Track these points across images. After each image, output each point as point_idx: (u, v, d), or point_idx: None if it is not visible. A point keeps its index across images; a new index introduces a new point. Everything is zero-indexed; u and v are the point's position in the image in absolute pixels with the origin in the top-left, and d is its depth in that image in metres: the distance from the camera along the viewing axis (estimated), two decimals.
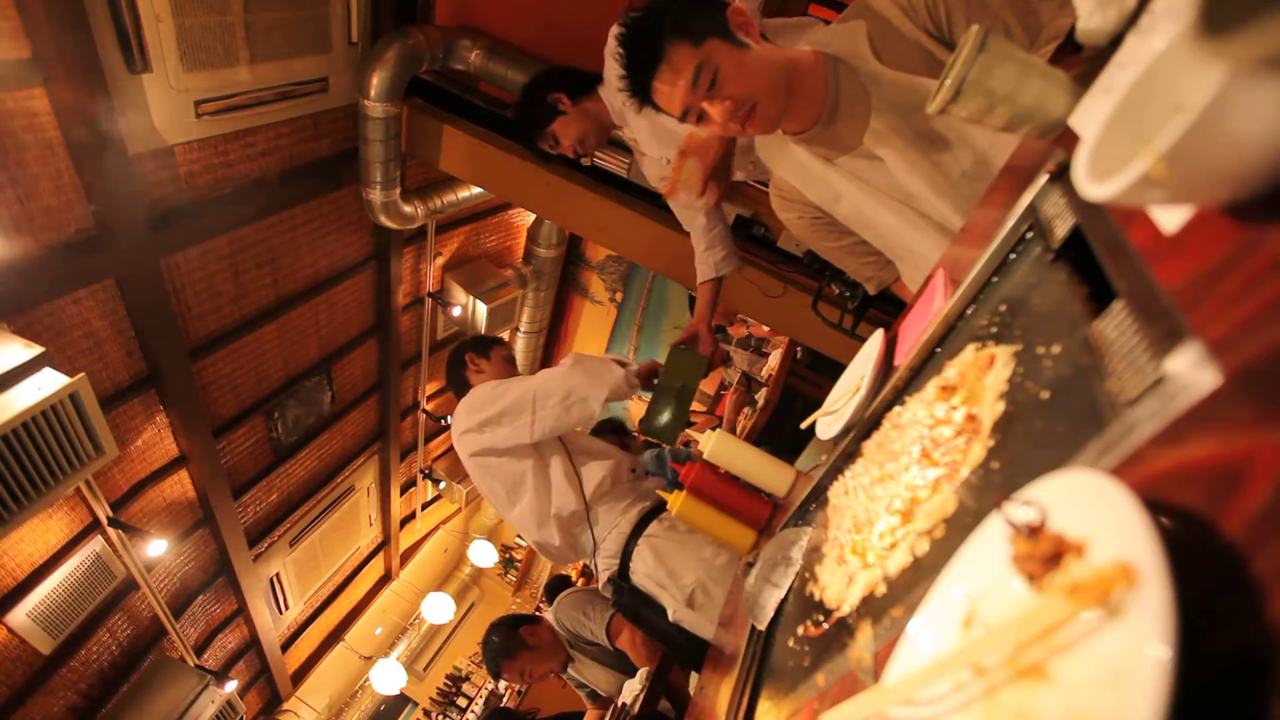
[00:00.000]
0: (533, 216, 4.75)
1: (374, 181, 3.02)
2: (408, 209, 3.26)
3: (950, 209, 1.11)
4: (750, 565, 1.08)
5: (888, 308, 2.43)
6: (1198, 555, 0.29)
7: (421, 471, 5.42)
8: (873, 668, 0.57)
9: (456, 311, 4.35)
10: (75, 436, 2.19)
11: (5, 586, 2.50)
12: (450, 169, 3.11)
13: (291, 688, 5.11)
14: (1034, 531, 0.37)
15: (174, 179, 2.45)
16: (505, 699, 4.56)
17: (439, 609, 5.71)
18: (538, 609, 4.83)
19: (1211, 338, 0.34)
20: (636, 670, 2.04)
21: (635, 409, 5.43)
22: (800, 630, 0.79)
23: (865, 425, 0.86)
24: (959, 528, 0.55)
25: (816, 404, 1.08)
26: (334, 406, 3.96)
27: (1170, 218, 0.41)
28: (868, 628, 0.61)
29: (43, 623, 2.65)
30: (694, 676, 2.01)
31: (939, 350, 0.76)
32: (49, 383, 2.08)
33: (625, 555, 1.74)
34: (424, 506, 5.97)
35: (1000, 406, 0.56)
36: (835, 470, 0.91)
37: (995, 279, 0.70)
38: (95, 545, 2.78)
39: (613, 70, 1.45)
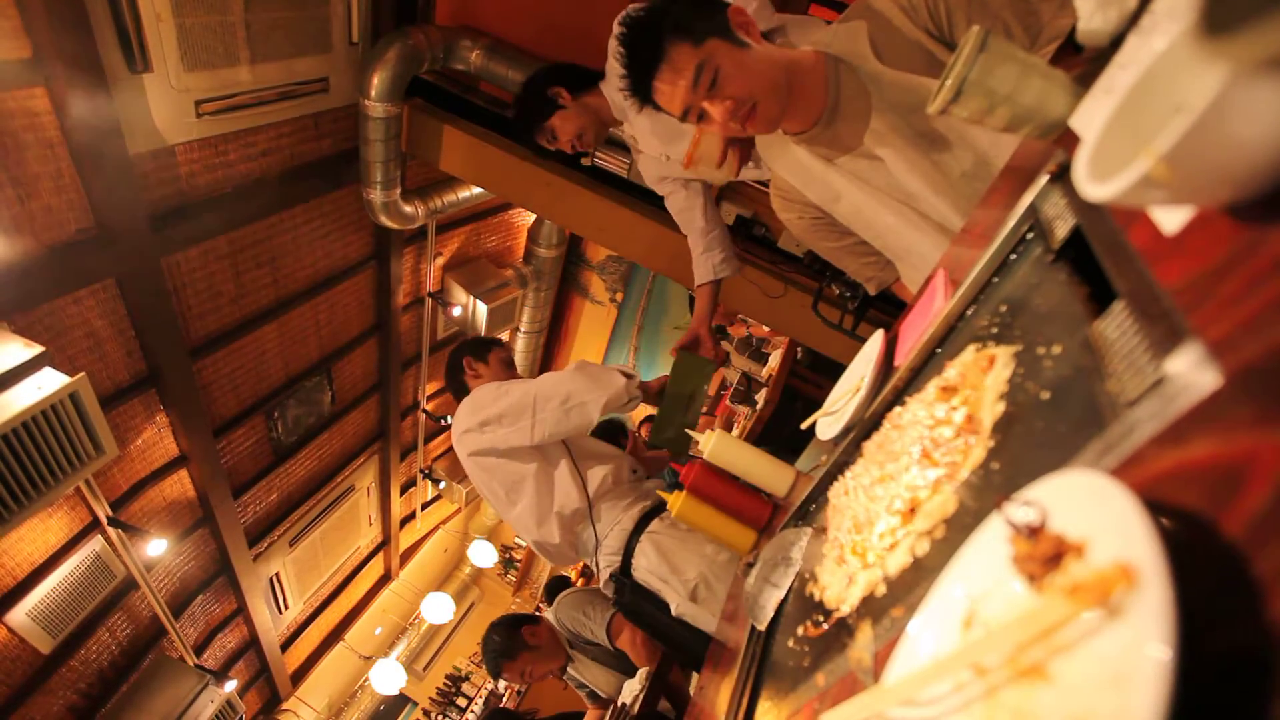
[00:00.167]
0: (533, 216, 4.75)
1: (374, 181, 3.02)
2: (408, 209, 3.27)
3: (950, 209, 1.11)
4: (750, 565, 1.08)
5: (888, 308, 2.44)
6: (1198, 556, 0.29)
7: (421, 471, 5.42)
8: (873, 668, 0.57)
9: (457, 311, 4.35)
10: (75, 436, 2.19)
11: (5, 586, 2.51)
12: (450, 169, 3.11)
13: (291, 687, 5.11)
14: (1034, 532, 0.37)
15: (174, 179, 2.45)
16: (505, 699, 4.56)
17: (439, 609, 5.71)
18: (537, 609, 4.83)
19: (1212, 338, 0.34)
20: (636, 670, 2.04)
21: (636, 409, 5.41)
22: (800, 630, 0.79)
23: (865, 426, 0.86)
24: (959, 528, 0.55)
25: (816, 405, 1.08)
26: (334, 406, 3.96)
27: (1171, 218, 0.41)
28: (868, 628, 0.61)
29: (43, 622, 2.65)
30: (694, 676, 2.01)
31: (939, 351, 0.76)
32: (49, 382, 2.08)
33: (627, 552, 1.74)
34: (424, 506, 5.97)
35: (1000, 407, 0.56)
36: (835, 471, 0.91)
37: (996, 279, 0.70)
38: (95, 545, 2.78)
39: (614, 69, 1.45)
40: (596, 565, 1.83)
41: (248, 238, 2.87)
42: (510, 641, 2.19)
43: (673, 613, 1.68)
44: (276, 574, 4.23)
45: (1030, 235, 0.65)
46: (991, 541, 0.43)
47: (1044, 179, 0.62)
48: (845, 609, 0.68)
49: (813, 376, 3.96)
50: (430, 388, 4.82)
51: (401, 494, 5.32)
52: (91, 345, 2.44)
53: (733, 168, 1.48)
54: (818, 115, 1.15)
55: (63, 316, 2.29)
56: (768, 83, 1.09)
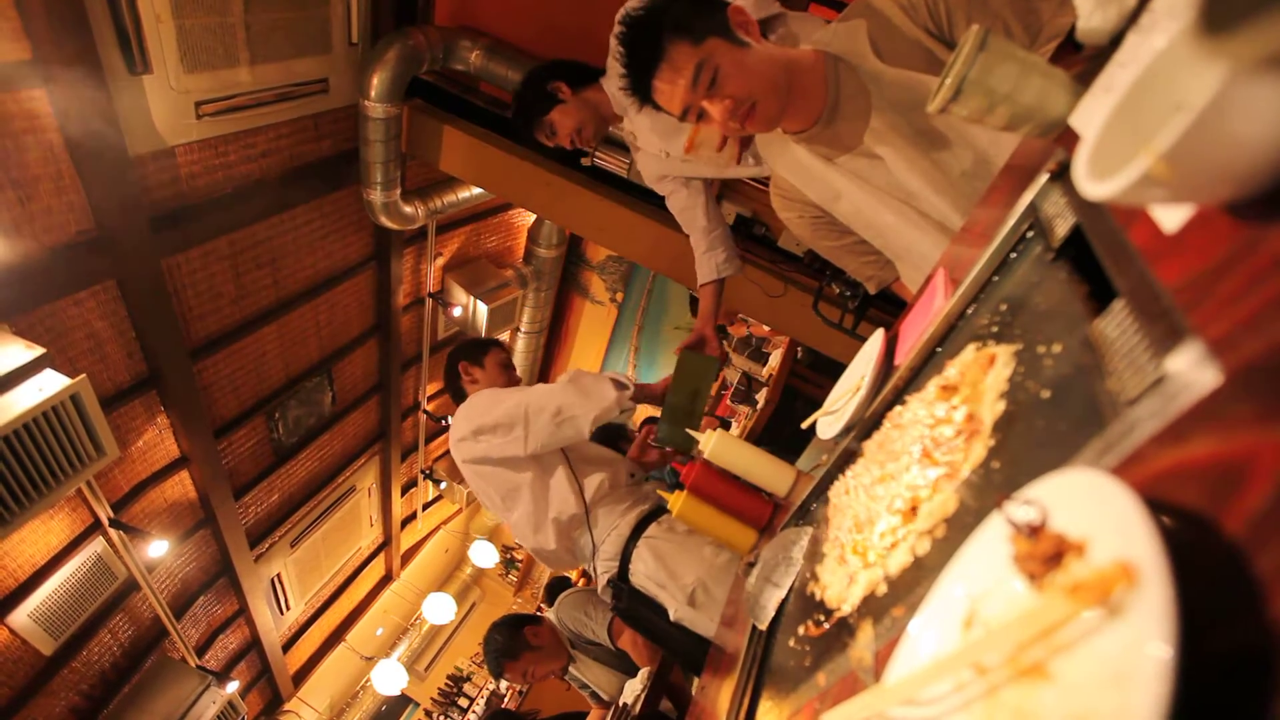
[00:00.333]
0: (533, 217, 4.75)
1: (374, 182, 3.02)
2: (408, 209, 3.27)
3: (950, 208, 1.11)
4: (751, 565, 1.08)
5: (888, 307, 2.43)
6: (1199, 554, 0.29)
7: (422, 472, 5.42)
8: (874, 667, 0.57)
9: (457, 312, 4.35)
10: (76, 437, 2.19)
11: (7, 588, 2.51)
12: (450, 169, 3.11)
13: (293, 688, 5.11)
14: (1035, 531, 0.37)
15: (175, 180, 2.45)
16: (506, 700, 4.56)
17: (440, 609, 5.71)
18: (539, 609, 4.83)
19: (1212, 337, 0.34)
20: (638, 670, 2.04)
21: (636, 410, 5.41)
22: (801, 630, 0.79)
23: (866, 425, 0.86)
24: (960, 527, 0.55)
25: (817, 404, 1.08)
26: (335, 407, 3.96)
27: (1171, 217, 0.41)
28: (869, 627, 0.61)
29: (44, 624, 2.66)
30: (695, 677, 2.01)
31: (939, 350, 0.76)
32: (50, 384, 2.08)
33: (625, 557, 1.73)
34: (425, 507, 5.97)
35: (1001, 406, 0.56)
36: (836, 470, 0.91)
37: (996, 278, 0.70)
38: (96, 546, 2.79)
39: (614, 68, 1.44)
40: (594, 570, 1.82)
41: (248, 239, 2.87)
42: (513, 641, 2.19)
43: (671, 618, 1.67)
44: (278, 575, 4.24)
45: (1030, 234, 0.65)
46: (992, 541, 0.43)
47: (1044, 177, 0.62)
48: (846, 608, 0.68)
49: (813, 376, 3.96)
50: (431, 388, 4.82)
51: (402, 494, 5.32)
52: (92, 347, 2.44)
53: (733, 153, 1.48)
54: (817, 114, 1.15)
55: (63, 318, 2.29)
56: (767, 82, 1.09)
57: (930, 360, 0.77)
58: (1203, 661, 0.26)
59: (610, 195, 2.85)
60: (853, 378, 1.02)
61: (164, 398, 2.81)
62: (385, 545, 5.57)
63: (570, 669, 2.28)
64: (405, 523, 5.75)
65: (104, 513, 2.72)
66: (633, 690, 2.00)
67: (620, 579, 1.75)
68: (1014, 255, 0.67)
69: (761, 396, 4.06)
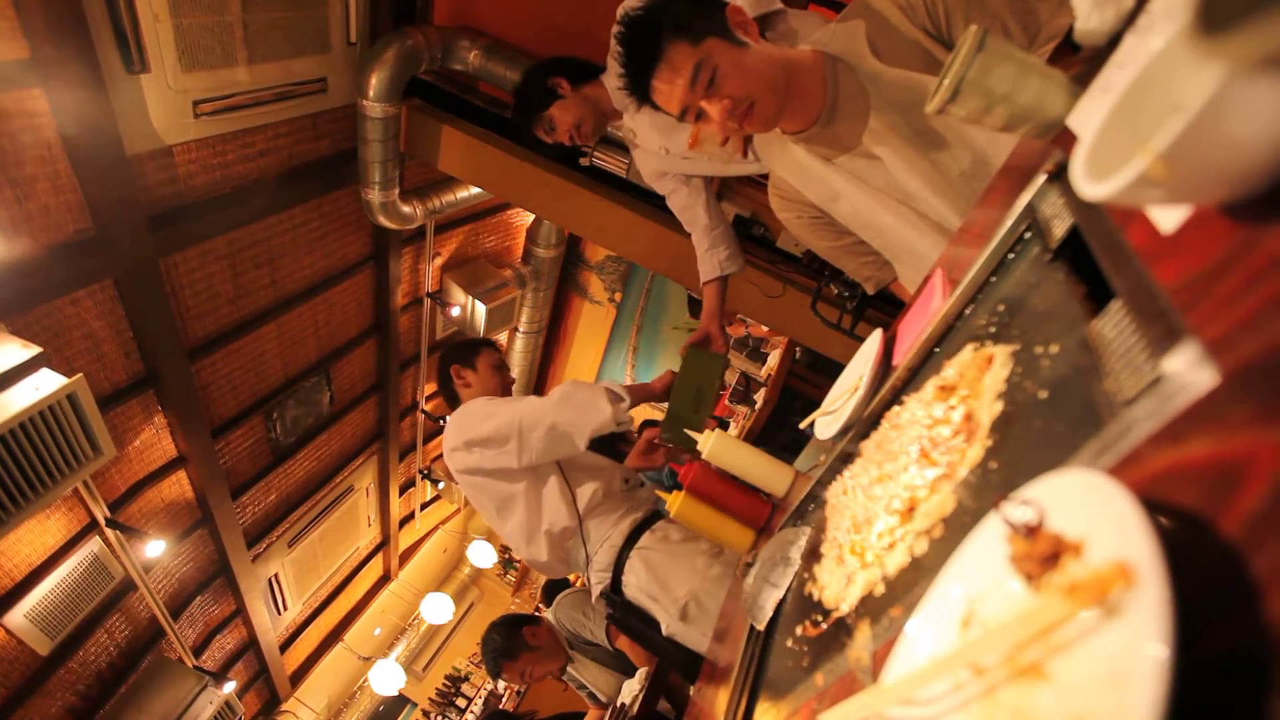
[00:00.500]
0: (532, 217, 4.75)
1: (373, 182, 3.02)
2: (406, 209, 3.26)
3: (948, 208, 1.11)
4: (749, 565, 1.08)
5: (886, 308, 2.44)
6: (1196, 555, 0.29)
7: (420, 472, 5.41)
8: (871, 667, 0.57)
9: (455, 312, 4.35)
10: (73, 437, 2.19)
11: (3, 587, 2.50)
12: (449, 169, 3.11)
13: (290, 688, 5.10)
14: (1032, 531, 0.37)
15: (172, 179, 2.45)
16: (504, 700, 4.56)
17: (438, 609, 5.71)
18: (537, 609, 4.83)
19: (1209, 337, 0.34)
20: (636, 671, 2.04)
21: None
22: (799, 630, 0.79)
23: (864, 425, 0.86)
24: (957, 527, 0.55)
25: (815, 404, 1.08)
26: (333, 407, 3.95)
27: (1168, 217, 0.41)
28: (866, 627, 0.61)
29: (41, 624, 2.65)
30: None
31: (937, 350, 0.76)
32: (47, 383, 2.08)
33: (617, 568, 1.70)
34: (423, 507, 5.96)
35: (998, 406, 0.56)
36: (834, 470, 0.91)
37: (993, 279, 0.70)
38: (93, 546, 2.78)
39: (613, 67, 1.44)
40: (589, 581, 1.80)
41: (246, 238, 2.87)
42: (511, 641, 2.18)
43: (663, 632, 1.65)
44: (275, 575, 4.23)
45: (1028, 234, 0.65)
46: (989, 541, 0.43)
47: (1042, 178, 0.62)
48: (844, 608, 0.68)
49: (811, 376, 3.97)
50: (429, 388, 4.82)
51: (400, 494, 5.31)
52: (89, 346, 2.43)
53: (737, 146, 1.47)
54: (816, 114, 1.15)
55: (60, 317, 2.29)
56: (765, 82, 1.09)
57: (928, 361, 0.77)
58: (1200, 662, 0.26)
59: (609, 195, 2.85)
60: (851, 378, 1.02)
61: (161, 397, 2.80)
62: (383, 545, 5.56)
63: (568, 669, 2.28)
64: (403, 523, 5.74)
65: (101, 512, 2.72)
66: (630, 691, 2.00)
67: (613, 590, 1.72)
68: (1012, 256, 0.67)
69: (760, 397, 4.06)
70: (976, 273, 0.70)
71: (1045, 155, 0.65)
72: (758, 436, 3.77)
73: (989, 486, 0.53)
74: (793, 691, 0.74)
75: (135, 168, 2.27)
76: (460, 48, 2.77)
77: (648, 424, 1.88)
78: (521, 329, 5.20)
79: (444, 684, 6.01)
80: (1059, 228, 0.57)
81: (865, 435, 0.85)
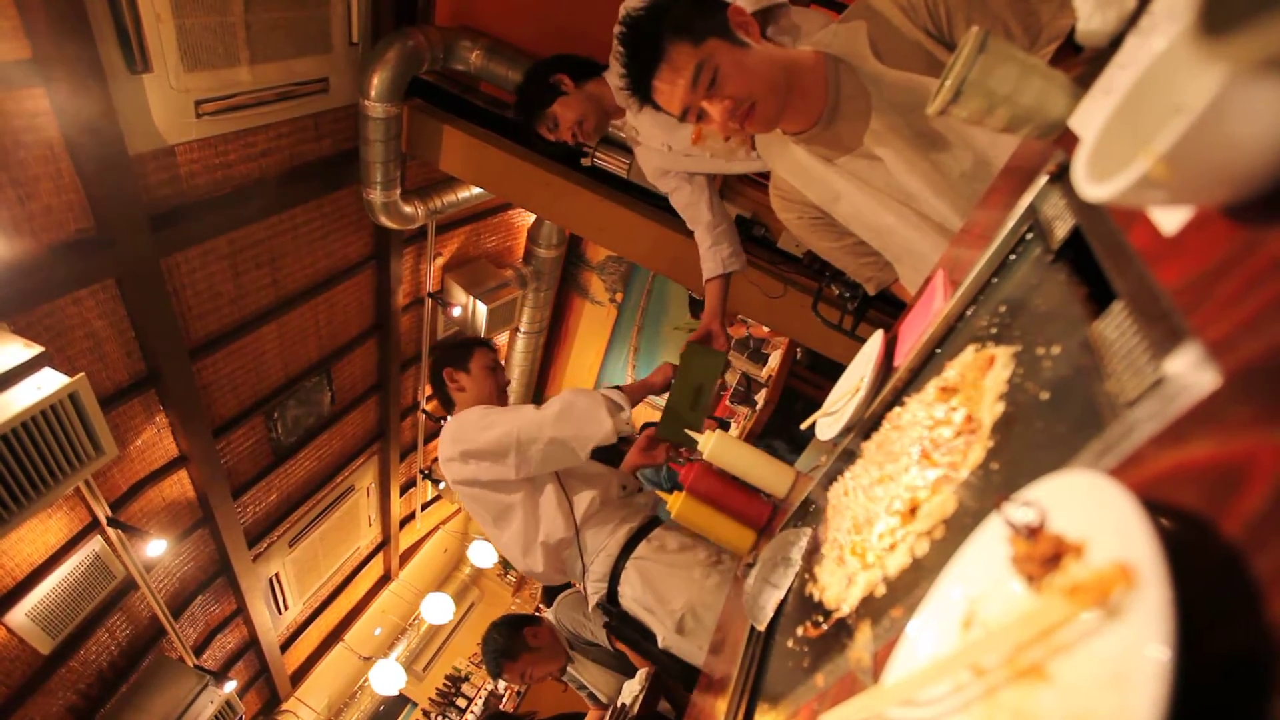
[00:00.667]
0: (533, 217, 4.75)
1: (374, 182, 3.02)
2: (408, 209, 3.27)
3: (950, 209, 1.11)
4: (750, 566, 1.08)
5: (887, 308, 2.44)
6: (1197, 556, 0.29)
7: (421, 472, 5.41)
8: (872, 668, 0.57)
9: (456, 312, 4.35)
10: (75, 436, 2.19)
11: (4, 586, 2.50)
12: (450, 169, 3.11)
13: (291, 688, 5.10)
14: (1033, 532, 0.37)
15: (174, 179, 2.45)
16: (504, 700, 4.56)
17: (438, 609, 5.71)
18: (537, 610, 4.83)
19: (1211, 338, 0.34)
20: (636, 671, 2.04)
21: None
22: (800, 631, 0.79)
23: (865, 426, 0.86)
24: (958, 528, 0.55)
25: (816, 405, 1.08)
26: (334, 407, 3.96)
27: (1170, 219, 0.41)
28: (867, 628, 0.61)
29: (42, 623, 2.65)
30: None
31: (939, 351, 0.76)
32: (49, 382, 2.08)
33: (613, 579, 1.68)
34: (423, 507, 5.96)
35: (1000, 407, 0.56)
36: (835, 471, 0.91)
37: (995, 280, 0.70)
38: (94, 545, 2.78)
39: (615, 68, 1.44)
40: (585, 591, 1.78)
41: (248, 238, 2.87)
42: (512, 642, 2.18)
43: (659, 645, 1.63)
44: (276, 574, 4.23)
45: (1030, 235, 0.65)
46: (991, 542, 0.43)
47: (1043, 179, 0.62)
48: (845, 609, 0.68)
49: (812, 377, 3.97)
50: (429, 388, 4.82)
51: (401, 494, 5.31)
52: (91, 346, 2.44)
53: (741, 140, 1.47)
54: (817, 115, 1.15)
55: (62, 317, 2.29)
56: (766, 82, 1.09)
57: (929, 362, 0.77)
58: (1201, 663, 0.26)
59: (610, 195, 2.85)
60: (852, 379, 1.02)
61: (163, 397, 2.80)
62: (384, 545, 5.57)
63: (568, 670, 2.28)
64: (404, 522, 5.74)
65: (102, 512, 2.72)
66: (631, 691, 2.00)
67: (609, 601, 1.70)
68: (1013, 257, 0.67)
69: (761, 397, 4.06)
70: (978, 274, 0.70)
71: (1047, 156, 0.65)
72: (758, 437, 3.77)
73: (990, 487, 0.53)
74: (793, 692, 0.74)
75: (137, 167, 2.28)
76: (461, 48, 2.77)
77: (649, 425, 1.88)
78: (522, 329, 5.20)
79: (444, 684, 6.01)
80: (1061, 229, 0.57)
81: (866, 436, 0.84)
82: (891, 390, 0.82)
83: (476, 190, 3.63)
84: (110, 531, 2.80)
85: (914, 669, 0.44)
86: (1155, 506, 0.31)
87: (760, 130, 1.15)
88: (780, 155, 1.28)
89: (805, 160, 1.23)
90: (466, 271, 4.40)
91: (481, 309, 4.31)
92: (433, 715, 5.83)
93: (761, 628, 0.93)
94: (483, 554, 6.30)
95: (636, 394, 1.73)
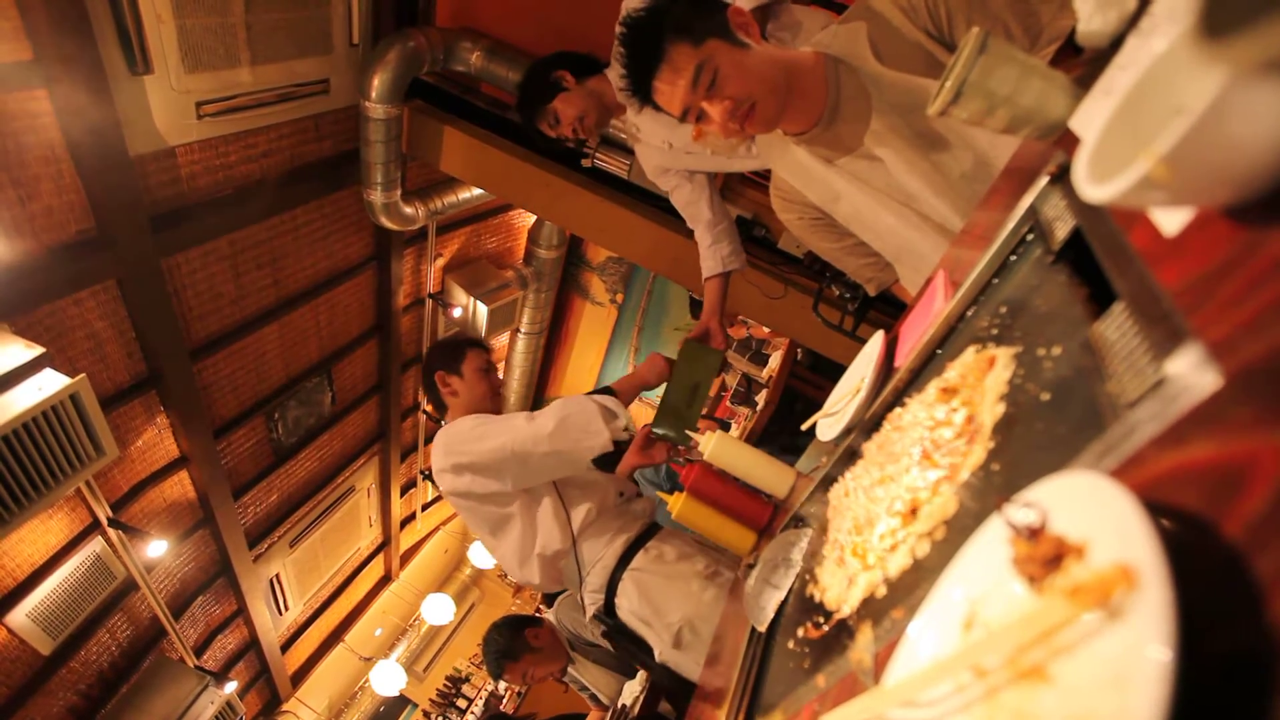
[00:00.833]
0: (533, 218, 4.75)
1: (375, 183, 3.03)
2: (408, 210, 3.27)
3: (950, 210, 1.11)
4: (750, 567, 1.08)
5: (888, 309, 2.44)
6: (1198, 557, 0.29)
7: (422, 473, 5.42)
8: (873, 669, 0.57)
9: (457, 313, 4.35)
10: (76, 437, 2.19)
11: (5, 587, 2.50)
12: (451, 170, 3.12)
13: (291, 689, 5.10)
14: (1034, 533, 0.37)
15: (175, 180, 2.45)
16: (505, 701, 4.56)
17: (439, 610, 5.71)
18: (538, 610, 4.82)
19: (1212, 339, 0.34)
20: (637, 672, 2.04)
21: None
22: (800, 632, 0.79)
23: (866, 427, 0.86)
24: (959, 529, 0.55)
25: (817, 406, 1.08)
26: (334, 407, 3.96)
27: (1171, 220, 0.41)
28: (868, 629, 0.61)
29: (43, 623, 2.65)
30: None
31: (939, 352, 0.76)
32: (50, 383, 2.08)
33: (610, 590, 1.66)
34: (424, 507, 5.96)
35: (1001, 408, 0.56)
36: (836, 472, 0.91)
37: (996, 280, 0.70)
38: (95, 546, 2.78)
39: (616, 68, 1.44)
40: (582, 600, 1.76)
41: (248, 239, 2.87)
42: (513, 642, 2.18)
43: (656, 659, 1.62)
44: (277, 575, 4.23)
45: (1030, 236, 0.65)
46: (992, 543, 0.43)
47: (1044, 180, 0.62)
48: (846, 610, 0.68)
49: (813, 378, 3.97)
50: None
51: (402, 495, 5.32)
52: (92, 346, 2.44)
53: (743, 136, 1.47)
54: (818, 116, 1.15)
55: (63, 318, 2.29)
56: (766, 83, 1.09)
57: (930, 362, 0.77)
58: (1202, 664, 0.26)
59: (610, 196, 2.85)
60: (853, 380, 1.02)
61: (163, 398, 2.81)
62: (384, 546, 5.57)
63: (569, 670, 2.28)
64: (404, 523, 5.74)
65: (103, 512, 2.72)
66: (631, 692, 2.00)
67: (606, 613, 1.68)
68: (1014, 258, 0.67)
69: (761, 398, 4.06)
70: (979, 274, 0.70)
71: (1047, 157, 0.65)
72: (759, 438, 3.77)
73: (991, 488, 0.53)
74: (794, 693, 0.74)
75: (138, 168, 2.28)
76: (462, 49, 2.78)
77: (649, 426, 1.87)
78: (523, 330, 5.20)
79: (445, 685, 6.01)
80: (1061, 230, 0.57)
81: (867, 437, 0.84)
82: (892, 391, 0.82)
83: (477, 191, 3.63)
84: (111, 532, 2.80)
85: (915, 670, 0.44)
86: (1156, 508, 0.31)
87: (760, 131, 1.15)
88: (781, 156, 1.28)
89: (806, 161, 1.23)
90: (467, 272, 4.41)
91: (482, 310, 4.31)
92: (433, 716, 5.83)
93: (762, 629, 0.93)
94: (483, 555, 6.30)
95: (630, 393, 1.71)
